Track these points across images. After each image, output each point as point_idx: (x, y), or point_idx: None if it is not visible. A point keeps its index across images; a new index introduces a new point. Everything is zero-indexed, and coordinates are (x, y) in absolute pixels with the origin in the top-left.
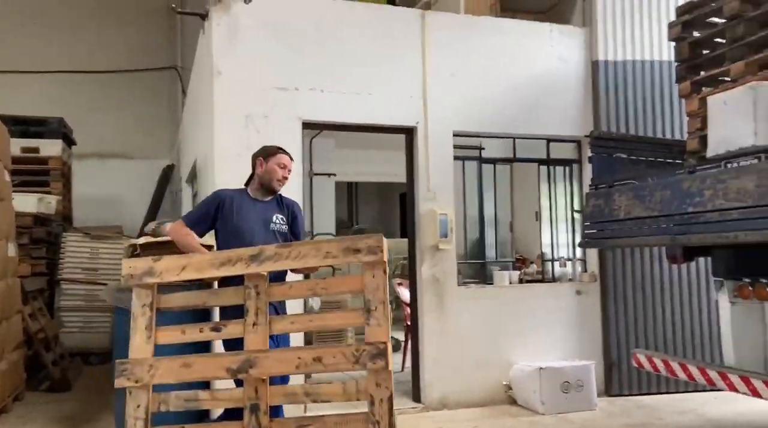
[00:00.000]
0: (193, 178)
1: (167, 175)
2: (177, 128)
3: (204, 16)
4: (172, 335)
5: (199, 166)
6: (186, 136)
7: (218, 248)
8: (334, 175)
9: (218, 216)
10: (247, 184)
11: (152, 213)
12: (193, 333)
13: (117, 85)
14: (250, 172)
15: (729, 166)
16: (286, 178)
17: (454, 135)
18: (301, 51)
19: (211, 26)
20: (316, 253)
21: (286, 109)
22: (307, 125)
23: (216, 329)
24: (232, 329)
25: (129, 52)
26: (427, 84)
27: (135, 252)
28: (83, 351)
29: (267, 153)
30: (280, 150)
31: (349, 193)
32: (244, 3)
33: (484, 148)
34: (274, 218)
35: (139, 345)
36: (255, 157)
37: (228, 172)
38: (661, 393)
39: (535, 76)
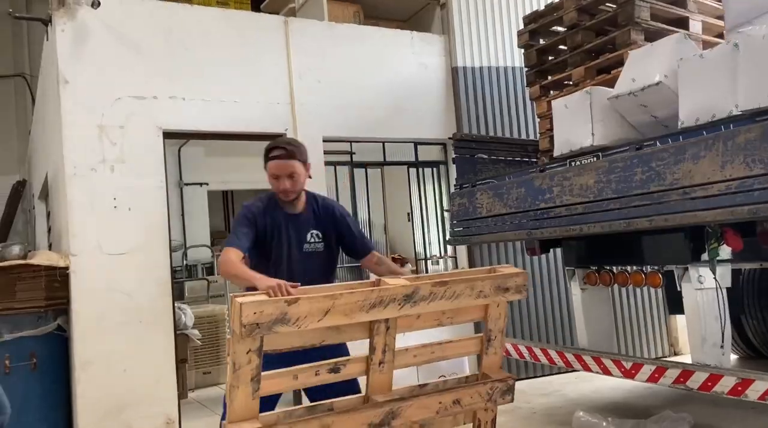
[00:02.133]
0: (45, 194)
1: (18, 192)
2: (27, 140)
3: (46, 22)
4: (281, 383)
5: (51, 181)
6: (36, 149)
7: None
8: (206, 184)
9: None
10: None
11: (3, 233)
12: (307, 377)
13: None
14: (105, 188)
15: (572, 164)
16: (288, 190)
17: (324, 140)
18: (157, 58)
19: (55, 32)
20: (470, 292)
21: (145, 118)
22: (169, 135)
23: (335, 370)
24: (353, 368)
25: None
26: (294, 90)
27: None
28: None
29: (264, 160)
30: (269, 153)
31: (225, 201)
32: (92, 8)
33: (355, 153)
34: (309, 237)
35: (244, 403)
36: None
37: (82, 189)
38: (529, 378)
39: (400, 81)
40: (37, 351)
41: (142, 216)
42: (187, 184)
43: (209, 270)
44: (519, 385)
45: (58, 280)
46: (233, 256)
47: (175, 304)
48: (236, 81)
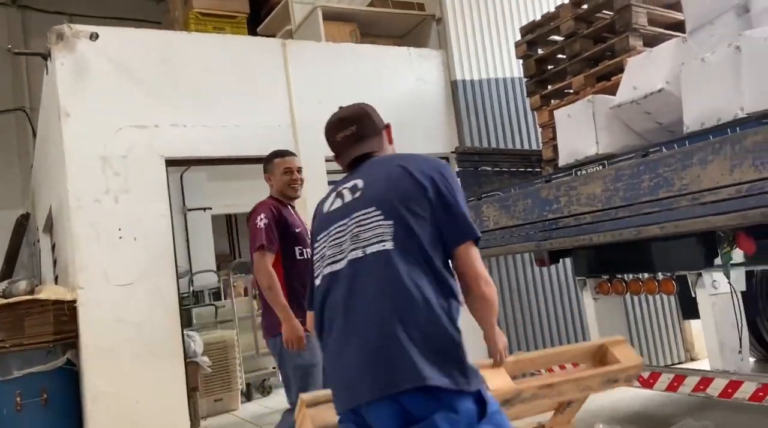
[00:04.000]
0: (50, 227)
1: (22, 225)
2: (30, 173)
3: (46, 56)
4: None
5: (55, 213)
6: (39, 182)
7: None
8: (210, 208)
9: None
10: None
11: (8, 267)
12: None
13: None
14: (110, 218)
15: (578, 173)
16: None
17: (326, 160)
18: (156, 86)
19: (55, 66)
20: (576, 388)
21: (146, 147)
22: (171, 162)
23: None
24: None
25: None
26: (295, 112)
27: None
28: None
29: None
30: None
31: (228, 225)
32: (90, 40)
33: None
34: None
35: None
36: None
37: (86, 220)
38: None
39: (400, 97)
40: (48, 386)
41: (148, 244)
42: (190, 210)
43: (216, 295)
44: None
45: (66, 314)
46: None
47: (184, 332)
48: (237, 105)
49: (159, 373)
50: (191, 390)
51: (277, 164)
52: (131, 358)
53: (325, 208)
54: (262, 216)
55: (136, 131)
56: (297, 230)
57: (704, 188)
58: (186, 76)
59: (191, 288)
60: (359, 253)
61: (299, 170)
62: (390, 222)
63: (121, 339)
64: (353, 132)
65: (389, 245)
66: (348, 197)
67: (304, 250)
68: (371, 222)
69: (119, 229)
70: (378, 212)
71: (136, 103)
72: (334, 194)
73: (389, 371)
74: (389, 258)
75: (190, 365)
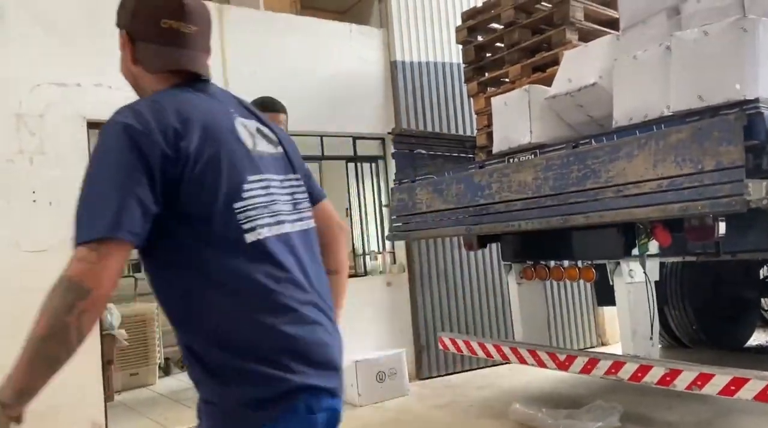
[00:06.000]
0: None
1: None
2: None
3: None
4: None
5: None
6: None
7: None
8: None
9: None
10: None
11: None
12: None
13: None
14: (23, 181)
15: (511, 161)
16: None
17: None
18: (80, 43)
19: None
20: None
21: (67, 107)
22: (93, 124)
23: None
24: None
25: None
26: (229, 81)
27: None
28: None
29: None
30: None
31: None
32: None
33: None
34: None
35: None
36: None
37: None
38: (466, 371)
39: (339, 75)
40: None
41: (65, 210)
42: None
43: (136, 267)
44: (456, 379)
45: None
46: None
47: None
48: None
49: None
50: (106, 363)
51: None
52: None
53: (244, 140)
54: None
55: (55, 89)
56: None
57: (629, 181)
58: (114, 33)
59: None
60: (304, 225)
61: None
62: (307, 198)
63: (31, 309)
64: (205, 32)
65: (312, 224)
66: (266, 145)
67: None
68: (302, 193)
69: (33, 193)
70: (302, 183)
71: (57, 58)
72: (241, 126)
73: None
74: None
75: (106, 338)
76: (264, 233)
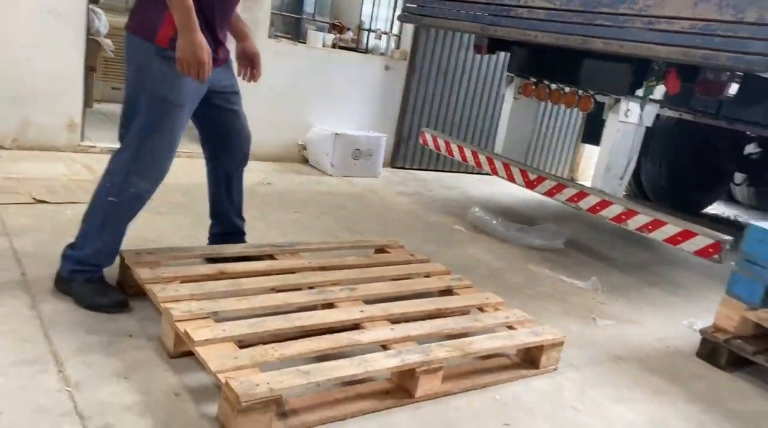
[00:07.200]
0: None
1: None
2: None
3: None
4: None
5: None
6: None
7: None
8: None
9: None
10: None
11: None
12: None
13: None
14: None
15: None
16: None
17: None
18: None
19: None
20: None
21: None
22: None
23: None
24: None
25: None
26: None
27: None
28: None
29: None
30: None
31: None
32: None
33: None
34: None
35: None
36: None
37: None
38: (438, 171)
39: None
40: None
41: None
42: None
43: None
44: (426, 175)
45: None
46: None
47: (89, 5)
48: None
49: (56, 37)
50: (89, 69)
51: None
52: (26, 12)
53: None
54: None
55: None
56: None
57: (664, 14)
58: None
59: None
60: None
61: None
62: None
63: None
64: None
65: None
66: None
67: None
68: None
69: None
70: None
71: None
72: None
73: None
74: None
75: (92, 42)
76: None
